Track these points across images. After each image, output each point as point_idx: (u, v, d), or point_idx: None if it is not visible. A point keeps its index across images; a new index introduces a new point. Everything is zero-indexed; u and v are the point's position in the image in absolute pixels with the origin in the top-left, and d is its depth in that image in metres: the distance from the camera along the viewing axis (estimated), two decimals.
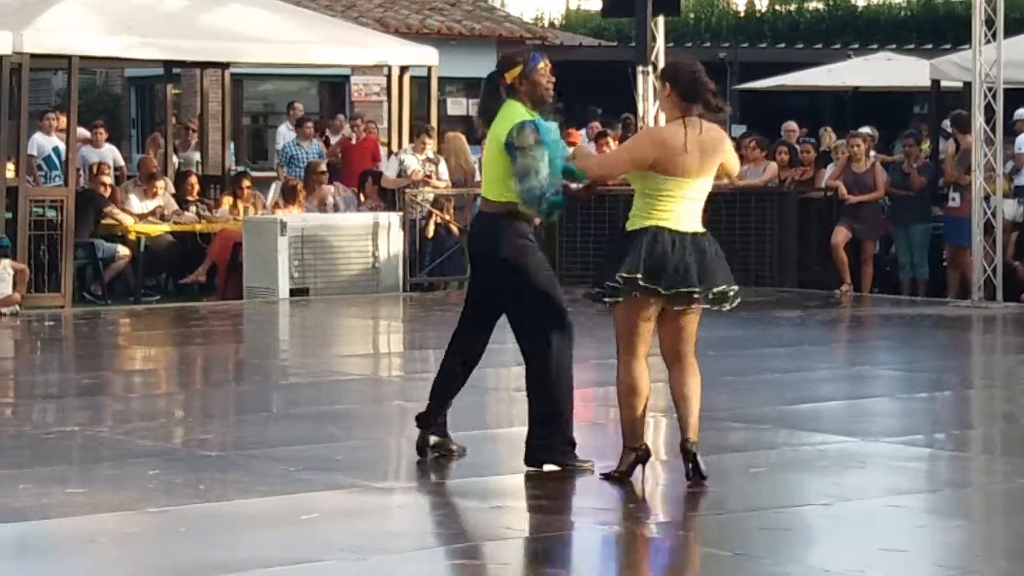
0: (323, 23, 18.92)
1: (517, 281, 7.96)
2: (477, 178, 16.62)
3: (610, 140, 19.24)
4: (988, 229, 15.69)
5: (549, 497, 7.81)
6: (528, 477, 7.90)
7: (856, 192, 16.93)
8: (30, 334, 14.32)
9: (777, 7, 33.91)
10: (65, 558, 6.63)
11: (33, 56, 15.69)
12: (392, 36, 21.28)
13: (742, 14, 34.05)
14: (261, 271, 16.44)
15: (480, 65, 16.93)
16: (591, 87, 24.19)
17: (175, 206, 17.76)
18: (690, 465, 7.55)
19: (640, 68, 17.92)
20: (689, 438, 7.56)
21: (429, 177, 17.65)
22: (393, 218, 17.02)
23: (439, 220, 17.34)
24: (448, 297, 16.58)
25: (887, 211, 17.40)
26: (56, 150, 18.44)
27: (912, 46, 28.47)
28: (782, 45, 30.52)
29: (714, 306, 7.63)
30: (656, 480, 7.81)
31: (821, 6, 33.06)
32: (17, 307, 15.06)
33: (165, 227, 17.40)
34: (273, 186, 19.20)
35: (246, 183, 18.21)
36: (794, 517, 7.25)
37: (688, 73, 7.57)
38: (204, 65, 19.32)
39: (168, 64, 19.29)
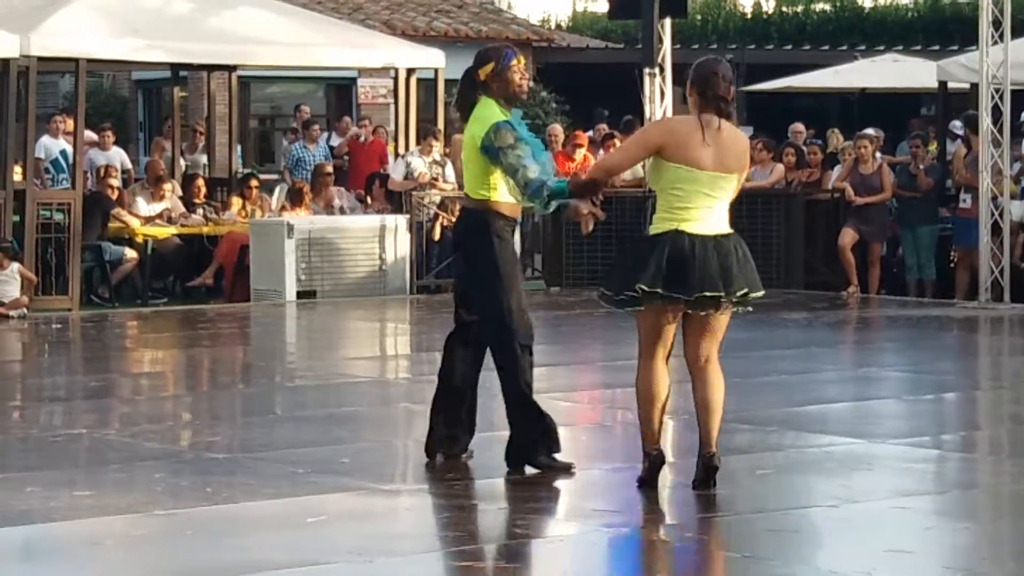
0: (330, 26, 18.92)
1: (483, 276, 7.96)
2: None
3: (616, 142, 19.22)
4: (996, 230, 15.68)
5: (556, 499, 7.81)
6: (536, 479, 7.89)
7: (863, 194, 16.92)
8: (37, 337, 14.33)
9: (784, 9, 33.86)
10: (72, 561, 6.64)
11: (40, 59, 15.71)
12: (399, 38, 21.30)
13: (749, 16, 34.00)
14: (268, 274, 16.45)
15: None
16: (598, 89, 24.22)
17: (182, 209, 17.78)
18: (705, 476, 7.46)
19: (647, 70, 17.91)
20: (712, 451, 7.44)
21: (436, 179, 17.65)
22: (400, 220, 17.03)
23: (446, 222, 17.34)
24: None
25: (894, 213, 17.39)
26: (63, 153, 18.45)
27: (919, 47, 28.44)
28: (789, 47, 30.50)
29: (737, 307, 7.52)
30: (663, 482, 7.80)
31: (828, 8, 33.02)
32: (25, 310, 15.08)
33: (172, 230, 17.41)
34: (277, 189, 19.21)
35: (254, 183, 18.24)
36: (801, 519, 7.25)
37: (706, 73, 7.52)
38: (211, 68, 19.34)
39: (175, 67, 19.31)
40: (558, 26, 34.49)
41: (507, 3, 32.50)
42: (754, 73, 25.74)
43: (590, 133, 20.82)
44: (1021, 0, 20.66)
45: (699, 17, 32.28)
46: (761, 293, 7.54)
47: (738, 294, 7.45)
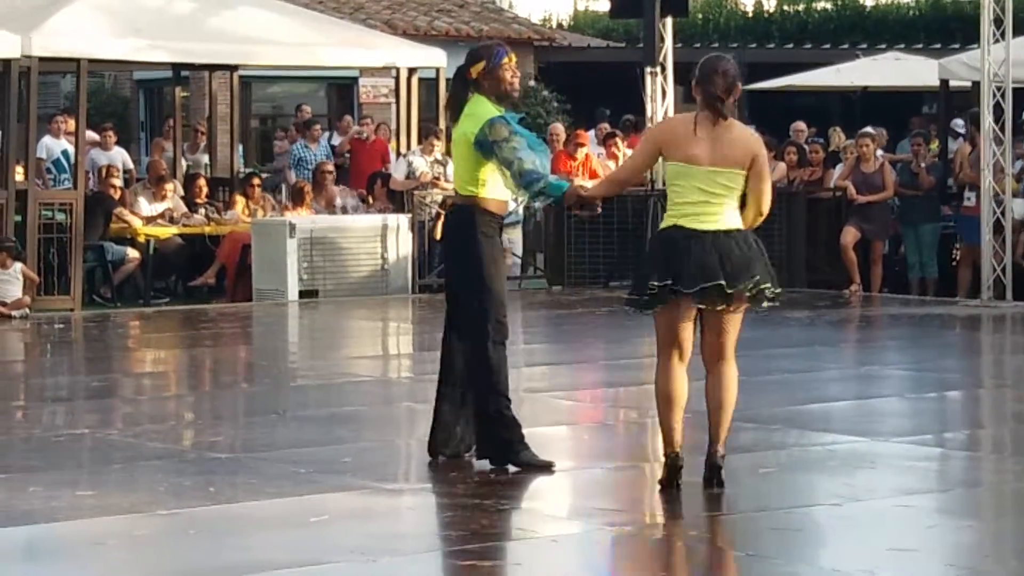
0: (331, 25, 18.92)
1: (465, 273, 7.98)
2: None
3: (618, 141, 19.23)
4: (998, 228, 15.68)
5: (559, 498, 7.81)
6: (538, 477, 7.89)
7: (865, 192, 16.91)
8: (40, 337, 14.33)
9: (785, 7, 33.84)
10: (75, 561, 6.64)
11: (42, 59, 15.70)
12: (400, 38, 21.29)
13: (750, 15, 33.99)
14: (270, 273, 16.45)
15: None
16: (599, 88, 24.20)
17: (184, 209, 17.77)
18: (710, 475, 7.43)
19: (648, 69, 17.90)
20: (717, 450, 7.42)
21: (438, 179, 17.64)
22: (402, 220, 17.03)
23: None
24: None
25: (896, 211, 17.38)
26: (65, 153, 18.45)
27: (920, 46, 28.43)
28: (790, 45, 30.48)
29: (754, 304, 7.43)
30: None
31: (829, 6, 33.00)
32: (27, 310, 15.08)
33: (174, 230, 17.41)
34: (284, 186, 19.24)
35: (256, 181, 18.24)
36: (804, 517, 7.25)
37: (707, 71, 7.49)
38: (213, 68, 19.34)
39: (177, 67, 19.31)
40: (559, 25, 34.47)
41: (508, 2, 32.49)
42: (755, 72, 25.70)
43: (592, 132, 20.82)
44: None
45: (700, 16, 32.27)
46: (767, 285, 7.40)
47: (750, 288, 7.33)
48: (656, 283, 7.38)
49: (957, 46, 25.93)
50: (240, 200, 17.87)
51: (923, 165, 17.17)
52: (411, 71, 17.89)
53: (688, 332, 7.49)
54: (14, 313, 14.93)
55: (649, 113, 17.96)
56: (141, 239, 17.12)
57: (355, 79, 25.32)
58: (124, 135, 23.19)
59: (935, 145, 18.99)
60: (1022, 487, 8.00)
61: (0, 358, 13.39)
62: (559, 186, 8.02)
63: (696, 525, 7.17)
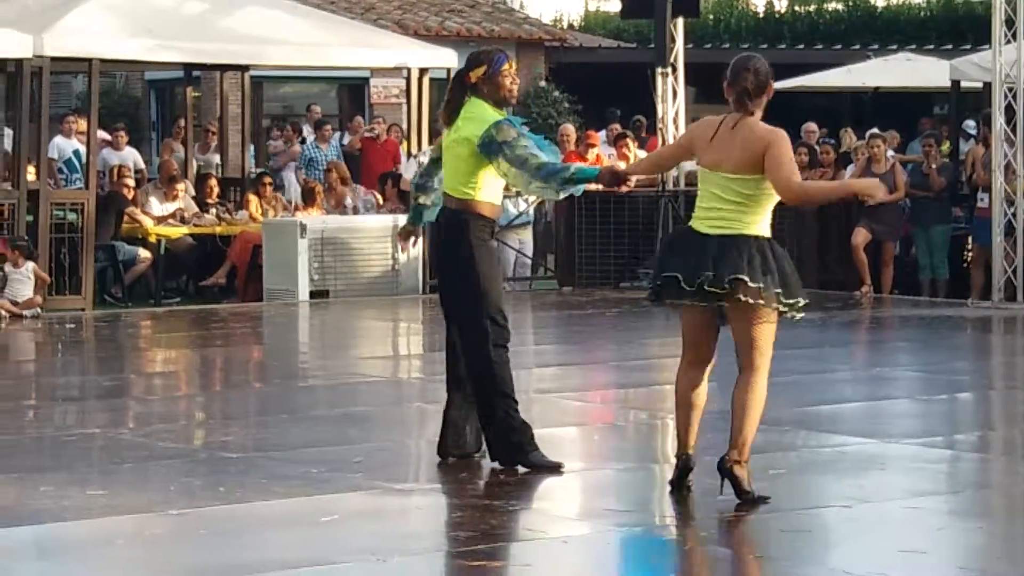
0: (342, 25, 18.93)
1: (460, 275, 7.97)
2: None
3: (629, 142, 19.22)
4: (1009, 230, 15.66)
5: (568, 498, 7.81)
6: (548, 478, 7.89)
7: None
8: (51, 336, 14.35)
9: (796, 8, 33.82)
10: (85, 560, 6.65)
11: (54, 59, 15.72)
12: (411, 38, 21.30)
13: (761, 15, 33.97)
14: (281, 273, 16.46)
15: None
16: (610, 89, 24.20)
17: (195, 208, 17.80)
18: (721, 478, 7.31)
19: (659, 69, 17.90)
20: (729, 455, 7.27)
21: None
22: None
23: None
24: None
25: (907, 212, 17.37)
26: (76, 153, 18.48)
27: (932, 46, 28.40)
28: (801, 46, 30.45)
29: (785, 312, 7.26)
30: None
31: (840, 7, 32.97)
32: (38, 309, 15.11)
33: (185, 229, 17.43)
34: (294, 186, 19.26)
35: (268, 181, 18.26)
36: (814, 519, 7.25)
37: (739, 68, 7.45)
38: (224, 68, 19.36)
39: (188, 67, 19.33)
40: (570, 25, 34.46)
41: (519, 3, 32.49)
42: None
43: (602, 132, 20.81)
44: None
45: (711, 16, 32.24)
46: (791, 301, 7.25)
47: (763, 293, 7.17)
48: (653, 286, 7.41)
49: (968, 47, 25.90)
50: (253, 199, 17.88)
51: (934, 166, 17.15)
52: (422, 71, 17.90)
53: (704, 335, 7.43)
54: (25, 312, 14.96)
55: (660, 114, 17.96)
56: (152, 239, 17.14)
57: (366, 79, 25.34)
58: (135, 135, 23.23)
59: (946, 146, 18.97)
60: None
61: (12, 357, 13.41)
62: (589, 171, 8.06)
63: (706, 527, 7.17)
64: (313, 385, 11.51)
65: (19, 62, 15.43)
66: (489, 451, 8.07)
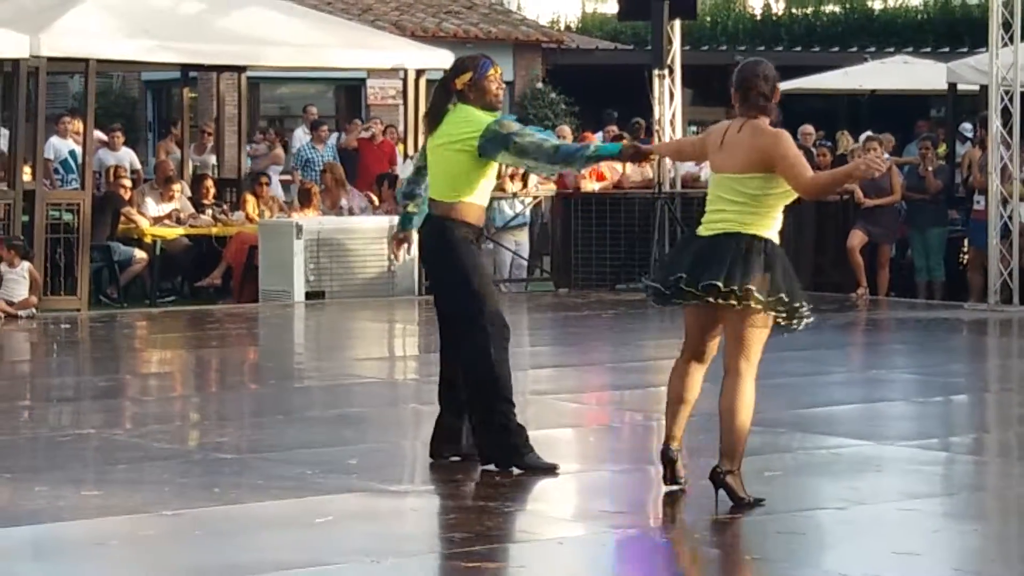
0: (339, 26, 18.93)
1: (453, 281, 7.96)
2: None
3: (625, 144, 19.18)
4: (1005, 232, 15.66)
5: (563, 500, 7.81)
6: (543, 480, 7.89)
7: (872, 196, 16.91)
8: (46, 337, 14.35)
9: (793, 10, 33.83)
10: (80, 560, 6.64)
11: (50, 59, 15.71)
12: (408, 39, 21.30)
13: (758, 17, 33.98)
14: (277, 274, 16.45)
15: None
16: (607, 91, 24.21)
17: (191, 209, 17.79)
18: (719, 492, 7.26)
19: (656, 71, 17.90)
20: (720, 466, 7.23)
21: None
22: None
23: None
24: None
25: (903, 215, 17.38)
26: (72, 153, 18.47)
27: (929, 49, 28.41)
28: (798, 48, 30.47)
29: (752, 306, 7.20)
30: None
31: (838, 9, 32.98)
32: (33, 310, 15.10)
33: (181, 230, 17.42)
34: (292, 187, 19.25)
35: (264, 181, 18.25)
36: (809, 521, 7.24)
37: (744, 75, 7.47)
38: (221, 68, 19.35)
39: (185, 67, 19.32)
40: (567, 27, 34.46)
41: (516, 4, 32.50)
42: None
43: (599, 134, 20.81)
44: None
45: (709, 19, 32.25)
46: (758, 291, 7.17)
47: (756, 295, 7.17)
48: (659, 281, 7.42)
49: (965, 50, 25.90)
50: (251, 199, 17.88)
51: (930, 169, 17.16)
52: (419, 73, 17.90)
53: (702, 333, 7.45)
54: (20, 313, 14.95)
55: (657, 116, 17.96)
56: (148, 239, 17.13)
57: (363, 80, 25.34)
58: (132, 135, 23.21)
59: (943, 149, 18.98)
60: None
61: (6, 358, 13.40)
62: (611, 148, 8.13)
63: (700, 528, 7.17)
64: (308, 386, 11.50)
65: (16, 62, 15.42)
66: (480, 454, 8.05)
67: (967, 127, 19.86)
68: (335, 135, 21.92)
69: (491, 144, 7.87)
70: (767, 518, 7.17)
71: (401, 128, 19.25)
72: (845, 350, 13.84)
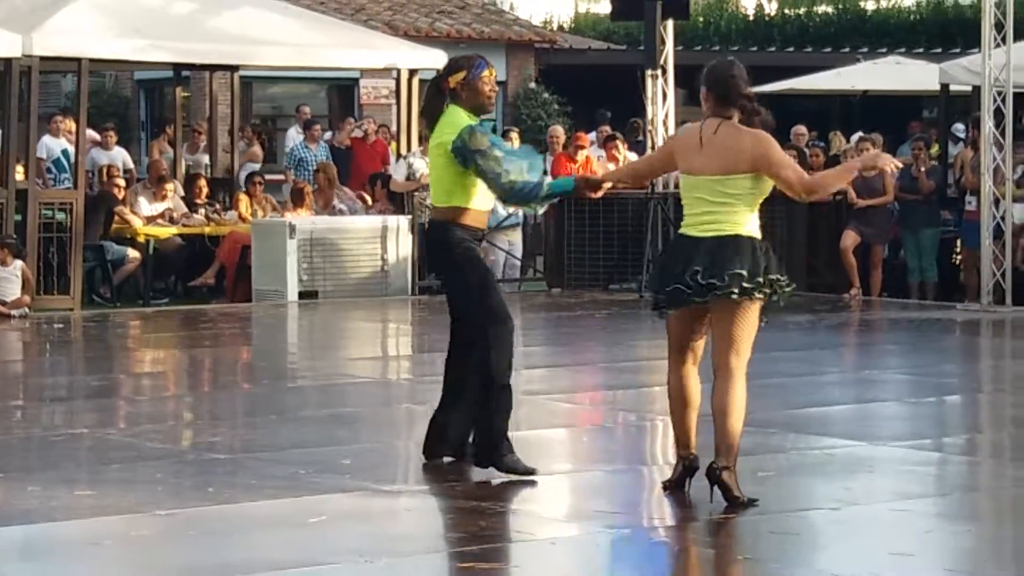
0: (332, 26, 18.92)
1: (456, 285, 7.96)
2: None
3: (619, 144, 19.22)
4: (998, 233, 15.68)
5: (557, 500, 7.81)
6: (538, 480, 7.89)
7: (865, 196, 16.92)
8: (39, 336, 14.33)
9: (786, 11, 33.83)
10: (73, 560, 6.64)
11: (43, 59, 15.70)
12: (401, 39, 21.29)
13: (751, 18, 33.98)
14: (270, 274, 16.45)
15: None
16: (600, 91, 24.20)
17: (184, 208, 17.78)
18: (715, 489, 7.24)
19: (649, 72, 17.91)
20: (716, 463, 7.22)
21: None
22: (402, 221, 17.03)
23: None
24: None
25: (896, 215, 17.39)
26: (65, 153, 18.46)
27: (921, 50, 28.42)
28: (791, 49, 30.47)
29: (740, 294, 7.21)
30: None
31: (830, 10, 32.99)
32: (26, 309, 15.08)
33: (174, 230, 17.42)
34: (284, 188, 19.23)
35: (258, 180, 18.25)
36: (802, 521, 7.25)
37: (722, 76, 7.48)
38: (213, 68, 19.33)
39: (177, 67, 19.31)
40: (560, 27, 34.44)
41: (509, 4, 32.49)
42: (756, 75, 25.61)
43: (592, 134, 20.81)
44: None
45: (701, 19, 32.25)
46: (745, 275, 7.19)
47: (744, 283, 7.18)
48: (660, 293, 7.43)
49: (958, 50, 25.91)
50: (244, 199, 17.88)
51: (923, 169, 17.17)
52: (412, 72, 17.90)
53: (692, 332, 7.46)
54: (13, 312, 14.93)
55: (650, 116, 17.97)
56: (141, 239, 17.12)
57: (356, 80, 25.32)
58: (125, 135, 23.19)
59: (935, 150, 19.00)
60: (1021, 492, 8.00)
61: None
62: (564, 183, 8.06)
63: (694, 528, 7.17)
64: (302, 386, 11.49)
65: (8, 61, 15.40)
66: (473, 451, 8.04)
67: (960, 128, 19.88)
68: (328, 133, 21.90)
69: (459, 153, 7.84)
70: (760, 518, 7.18)
71: (394, 128, 19.23)
72: (838, 351, 13.86)
